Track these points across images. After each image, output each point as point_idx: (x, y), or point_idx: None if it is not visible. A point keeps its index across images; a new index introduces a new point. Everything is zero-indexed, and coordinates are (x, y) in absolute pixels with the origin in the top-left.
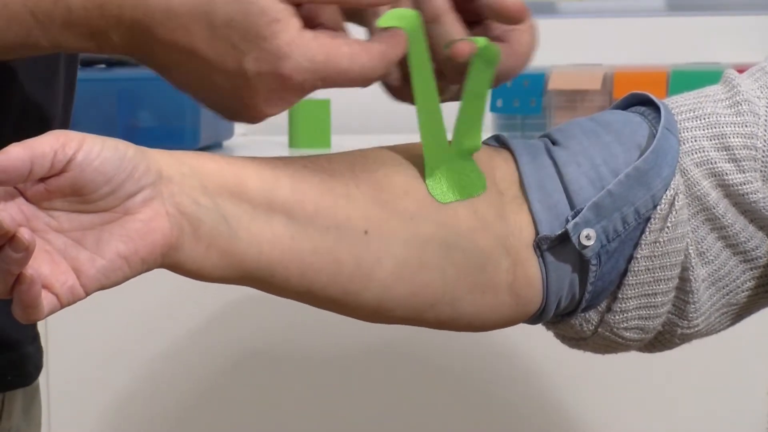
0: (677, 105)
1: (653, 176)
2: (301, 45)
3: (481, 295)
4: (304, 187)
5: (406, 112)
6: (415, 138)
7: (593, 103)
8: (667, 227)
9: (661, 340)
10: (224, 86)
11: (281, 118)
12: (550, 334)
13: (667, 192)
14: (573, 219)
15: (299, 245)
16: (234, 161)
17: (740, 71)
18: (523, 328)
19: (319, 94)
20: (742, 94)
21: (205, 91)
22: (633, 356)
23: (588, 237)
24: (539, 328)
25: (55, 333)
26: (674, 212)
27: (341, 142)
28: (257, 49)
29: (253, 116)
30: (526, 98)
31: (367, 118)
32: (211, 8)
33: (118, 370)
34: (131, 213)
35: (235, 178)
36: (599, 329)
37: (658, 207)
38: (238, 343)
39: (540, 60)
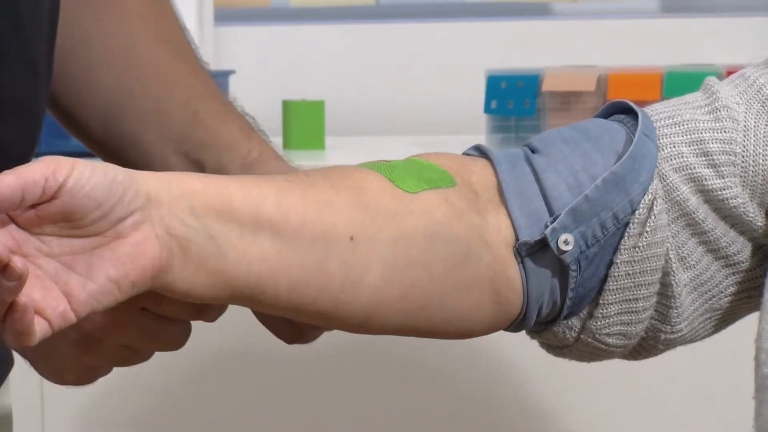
0: (656, 112)
1: (631, 181)
2: None
3: (467, 292)
4: (289, 200)
5: (399, 114)
6: (406, 138)
7: (587, 105)
8: (646, 232)
9: (645, 346)
10: None
11: (276, 120)
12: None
13: (646, 197)
14: (551, 224)
15: (287, 260)
16: (218, 180)
17: (733, 72)
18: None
19: (313, 94)
20: (721, 101)
21: None
22: (620, 361)
23: (566, 242)
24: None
25: None
26: (653, 217)
27: (335, 144)
28: None
29: None
30: (520, 100)
31: (361, 120)
32: None
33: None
34: (121, 237)
35: (221, 197)
36: (582, 336)
37: (637, 212)
38: (219, 343)
39: (534, 61)
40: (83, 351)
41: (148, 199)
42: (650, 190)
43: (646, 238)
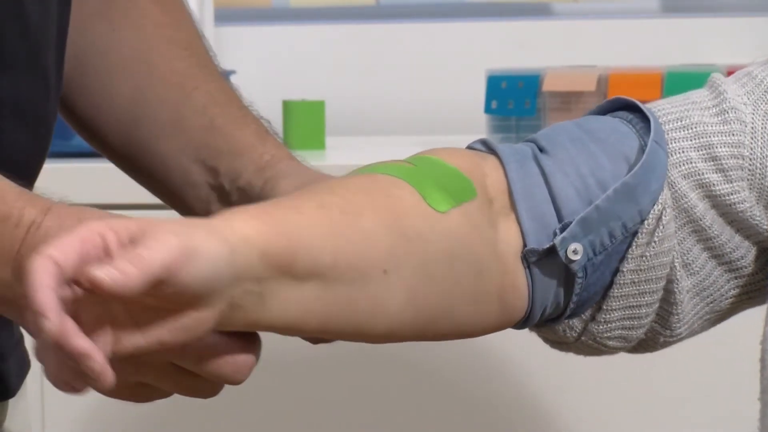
0: (664, 113)
1: (642, 191)
2: None
3: (476, 305)
4: (344, 246)
5: (400, 114)
6: (406, 138)
7: (588, 105)
8: (654, 242)
9: (644, 345)
10: None
11: (277, 120)
12: (533, 335)
13: (655, 207)
14: (561, 233)
15: (323, 301)
16: (292, 226)
17: (734, 72)
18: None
19: (314, 94)
20: (729, 101)
21: None
22: (622, 358)
23: (575, 251)
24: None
25: None
26: (661, 227)
27: (336, 144)
28: None
29: None
30: (520, 100)
31: (361, 120)
32: None
33: None
34: (191, 309)
35: (288, 253)
36: (582, 338)
37: (646, 222)
38: None
39: (535, 61)
40: (131, 370)
41: (236, 280)
42: (660, 200)
43: (653, 247)
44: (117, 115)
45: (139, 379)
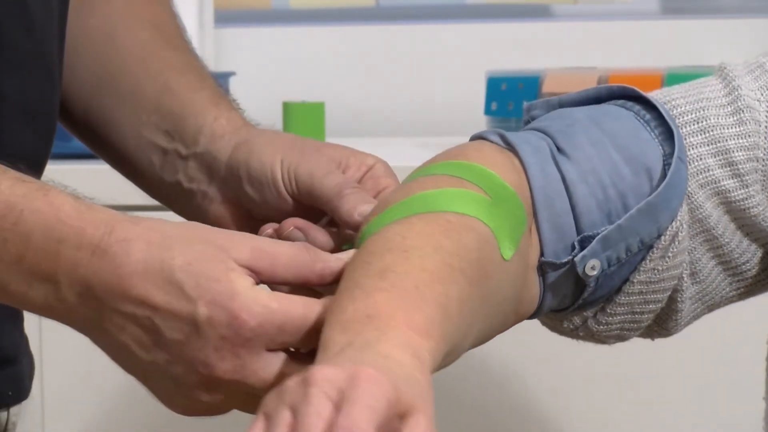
0: (680, 111)
1: (663, 209)
2: (254, 291)
3: (501, 326)
4: (461, 337)
5: (400, 115)
6: (406, 139)
7: None
8: (668, 256)
9: (638, 336)
10: (173, 340)
11: (277, 122)
12: (533, 336)
13: (673, 223)
14: (580, 249)
15: None
16: (447, 340)
17: None
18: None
19: (314, 96)
20: (743, 99)
21: (152, 353)
22: (622, 359)
23: (593, 267)
24: (522, 331)
25: (50, 336)
26: (676, 242)
27: None
28: (210, 292)
29: (202, 374)
30: (520, 101)
31: (361, 121)
32: (169, 254)
33: (111, 372)
34: None
35: (431, 361)
36: (580, 333)
37: (662, 237)
38: None
39: (535, 63)
40: (207, 392)
41: None
42: (678, 218)
43: (666, 261)
44: (79, 86)
45: (212, 401)
